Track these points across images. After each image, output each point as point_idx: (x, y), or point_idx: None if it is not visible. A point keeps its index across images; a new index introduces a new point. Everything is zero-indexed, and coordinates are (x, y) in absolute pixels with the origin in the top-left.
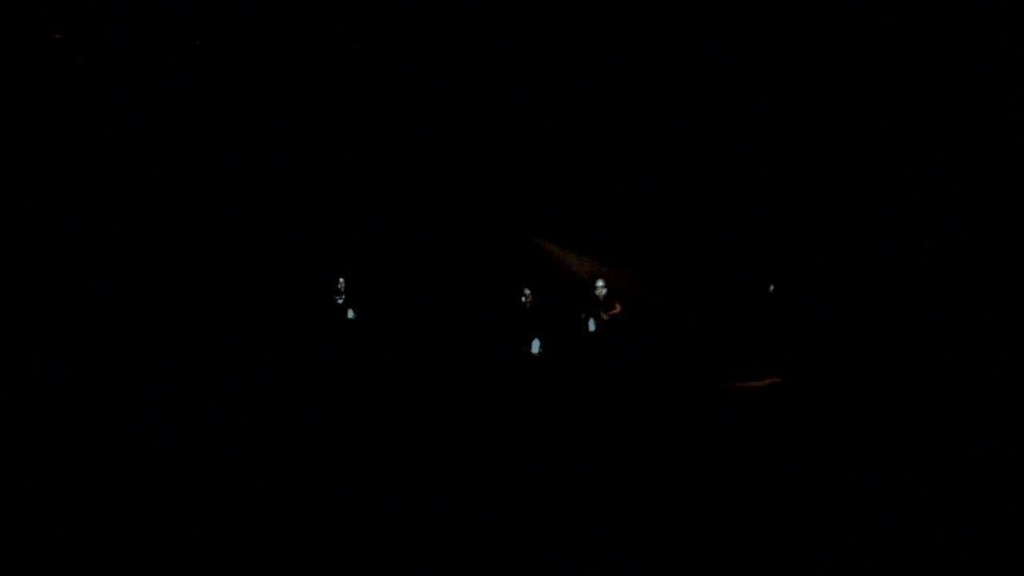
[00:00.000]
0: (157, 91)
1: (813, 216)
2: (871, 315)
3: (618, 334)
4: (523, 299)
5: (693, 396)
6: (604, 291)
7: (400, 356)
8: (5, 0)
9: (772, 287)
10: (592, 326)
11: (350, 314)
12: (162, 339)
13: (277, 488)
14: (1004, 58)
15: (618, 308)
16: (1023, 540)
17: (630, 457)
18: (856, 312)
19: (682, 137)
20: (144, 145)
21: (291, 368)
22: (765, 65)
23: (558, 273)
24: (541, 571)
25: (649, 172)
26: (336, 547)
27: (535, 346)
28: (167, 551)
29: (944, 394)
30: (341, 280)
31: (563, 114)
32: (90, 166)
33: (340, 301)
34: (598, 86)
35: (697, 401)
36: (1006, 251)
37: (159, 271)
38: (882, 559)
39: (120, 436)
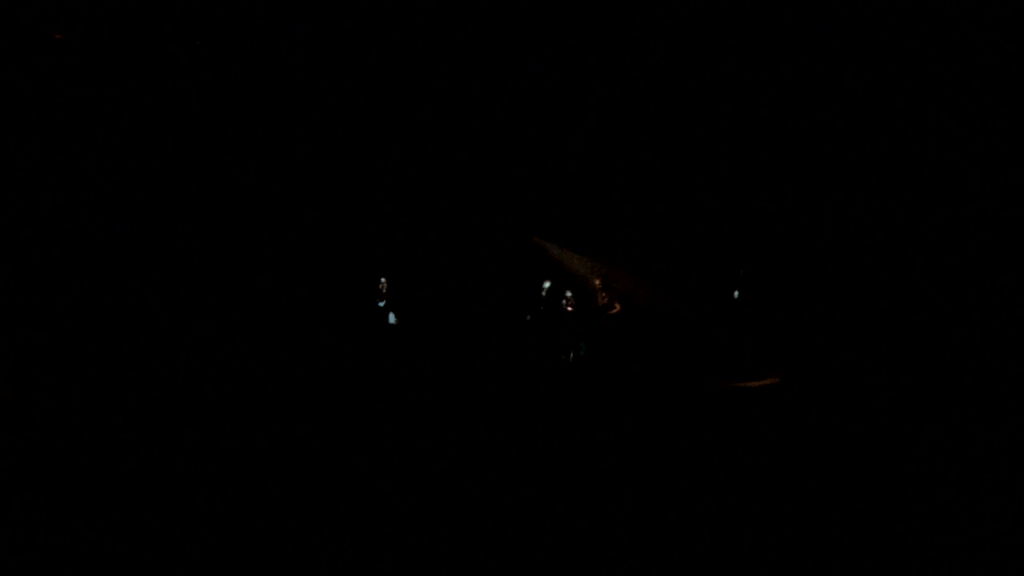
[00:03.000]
0: (168, 92)
1: (813, 216)
2: (870, 315)
3: (617, 334)
4: (564, 302)
5: (693, 396)
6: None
7: (438, 358)
8: (5, 0)
9: (736, 293)
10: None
11: (391, 318)
12: (172, 341)
13: (304, 491)
14: (984, 55)
15: (618, 307)
16: (1023, 540)
17: (630, 456)
18: (855, 312)
19: (682, 137)
20: (169, 147)
21: (330, 368)
22: (766, 65)
23: (559, 273)
24: (543, 571)
25: (648, 172)
26: (377, 548)
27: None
28: (169, 551)
29: (943, 393)
30: (383, 280)
31: (567, 115)
32: (99, 167)
33: (382, 304)
34: (598, 87)
35: (697, 401)
36: (1005, 249)
37: (174, 272)
38: (881, 558)
39: (123, 437)
